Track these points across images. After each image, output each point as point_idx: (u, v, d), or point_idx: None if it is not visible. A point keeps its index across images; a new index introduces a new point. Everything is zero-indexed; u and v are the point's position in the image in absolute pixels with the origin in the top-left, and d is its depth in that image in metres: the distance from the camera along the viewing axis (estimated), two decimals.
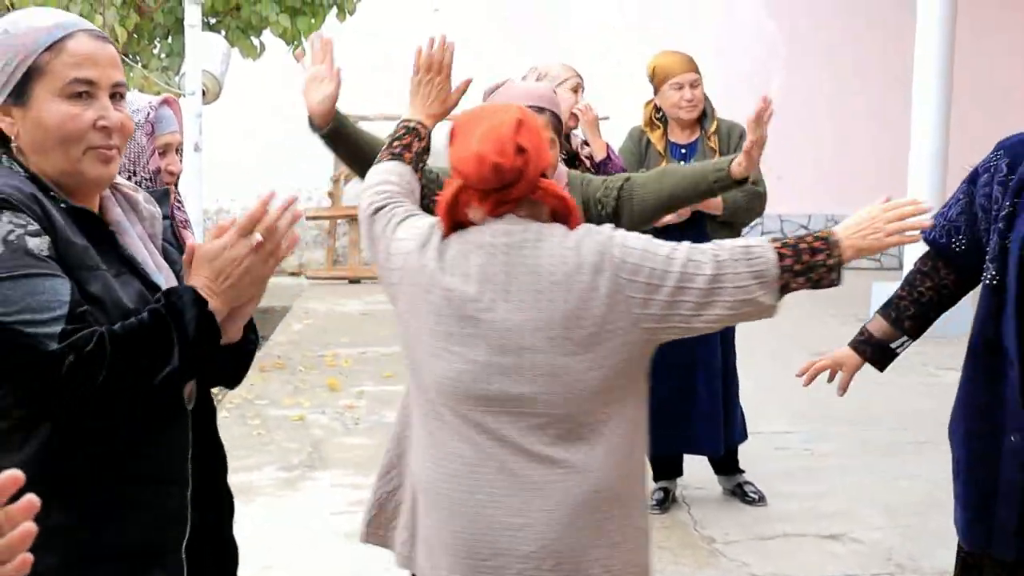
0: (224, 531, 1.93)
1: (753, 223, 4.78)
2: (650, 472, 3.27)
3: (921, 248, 2.60)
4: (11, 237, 1.59)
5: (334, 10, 7.88)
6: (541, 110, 2.71)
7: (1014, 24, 10.81)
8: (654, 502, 4.44)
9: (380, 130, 2.93)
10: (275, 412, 5.97)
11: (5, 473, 1.04)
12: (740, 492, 4.59)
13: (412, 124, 2.50)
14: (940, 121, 7.81)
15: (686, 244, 2.06)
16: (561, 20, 10.84)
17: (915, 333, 2.62)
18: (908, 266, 2.83)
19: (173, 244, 1.94)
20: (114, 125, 1.72)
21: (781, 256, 2.03)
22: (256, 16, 7.66)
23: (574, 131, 4.06)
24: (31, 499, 1.05)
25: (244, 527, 2.02)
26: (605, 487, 2.05)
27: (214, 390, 1.94)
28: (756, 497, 4.55)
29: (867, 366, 2.67)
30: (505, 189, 2.02)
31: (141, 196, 1.87)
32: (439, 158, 2.85)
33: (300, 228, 11.02)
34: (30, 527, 1.04)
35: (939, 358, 6.58)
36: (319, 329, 8.38)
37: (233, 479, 1.98)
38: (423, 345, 2.07)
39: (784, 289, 2.05)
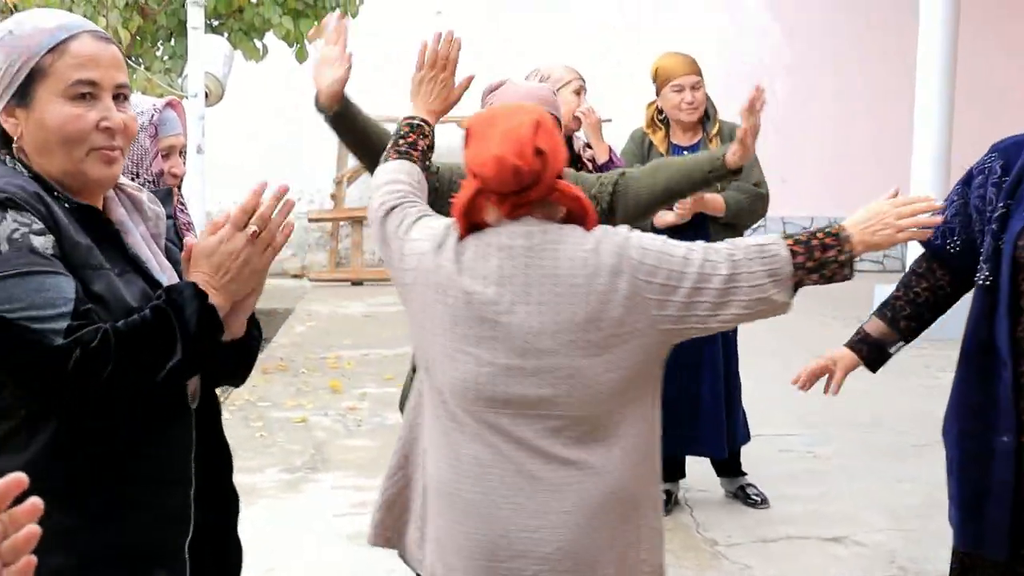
0: (229, 531, 1.93)
1: (755, 225, 4.78)
2: None
3: (921, 250, 2.62)
4: (16, 236, 1.60)
5: (337, 12, 7.89)
6: None
7: (1012, 24, 10.80)
8: None
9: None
10: (277, 414, 5.97)
11: (9, 476, 1.04)
12: (743, 494, 4.59)
13: (416, 122, 2.49)
14: (943, 123, 7.81)
15: (701, 244, 2.07)
16: (561, 20, 10.84)
17: (911, 334, 2.63)
18: None
19: (176, 245, 1.94)
20: (117, 126, 1.72)
21: (794, 253, 2.04)
22: (259, 18, 7.67)
23: (576, 133, 4.06)
24: (35, 502, 1.05)
25: (246, 529, 2.02)
26: (621, 488, 2.05)
27: (218, 391, 1.94)
28: (759, 499, 4.55)
29: (862, 370, 2.67)
30: (523, 191, 2.01)
31: (145, 196, 1.87)
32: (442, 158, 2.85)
33: (302, 230, 11.03)
34: (34, 529, 1.05)
35: (942, 360, 6.57)
36: (321, 331, 8.38)
37: (235, 480, 1.98)
38: (438, 346, 2.06)
39: (797, 286, 2.06)
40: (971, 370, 2.45)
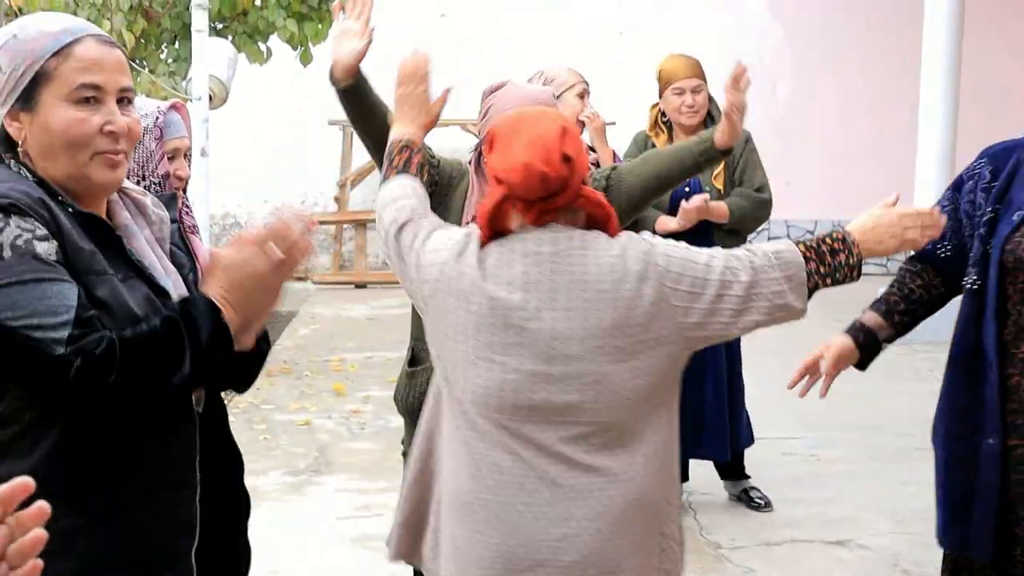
0: (238, 534, 1.93)
1: (759, 229, 4.78)
2: None
3: None
4: (19, 242, 1.60)
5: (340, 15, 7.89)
6: None
7: (1016, 24, 10.78)
8: None
9: None
10: (281, 417, 5.97)
11: (15, 480, 1.04)
12: (746, 497, 4.58)
13: (403, 142, 2.45)
14: (947, 123, 7.80)
15: (721, 251, 2.09)
16: (561, 20, 10.83)
17: (903, 328, 2.64)
18: None
19: (181, 248, 1.94)
20: (121, 130, 1.72)
21: (806, 259, 2.08)
22: (263, 21, 7.67)
23: (580, 137, 4.07)
24: (42, 506, 1.05)
25: (250, 532, 2.02)
26: (643, 495, 2.05)
27: (222, 393, 1.95)
28: (762, 503, 4.55)
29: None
30: (550, 198, 2.01)
31: (149, 200, 1.87)
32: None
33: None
34: (41, 533, 1.05)
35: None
36: (325, 334, 8.38)
37: None
38: (460, 354, 2.05)
39: (811, 291, 2.10)
40: (959, 373, 2.48)
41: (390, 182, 2.35)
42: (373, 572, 3.80)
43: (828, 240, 2.13)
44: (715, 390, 4.39)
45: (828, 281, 2.10)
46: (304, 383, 6.75)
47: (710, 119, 4.41)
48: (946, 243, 2.54)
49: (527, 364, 2.00)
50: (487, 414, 2.04)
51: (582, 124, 3.99)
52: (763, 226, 4.90)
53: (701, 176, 4.33)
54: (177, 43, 7.82)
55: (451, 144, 8.21)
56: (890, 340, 2.62)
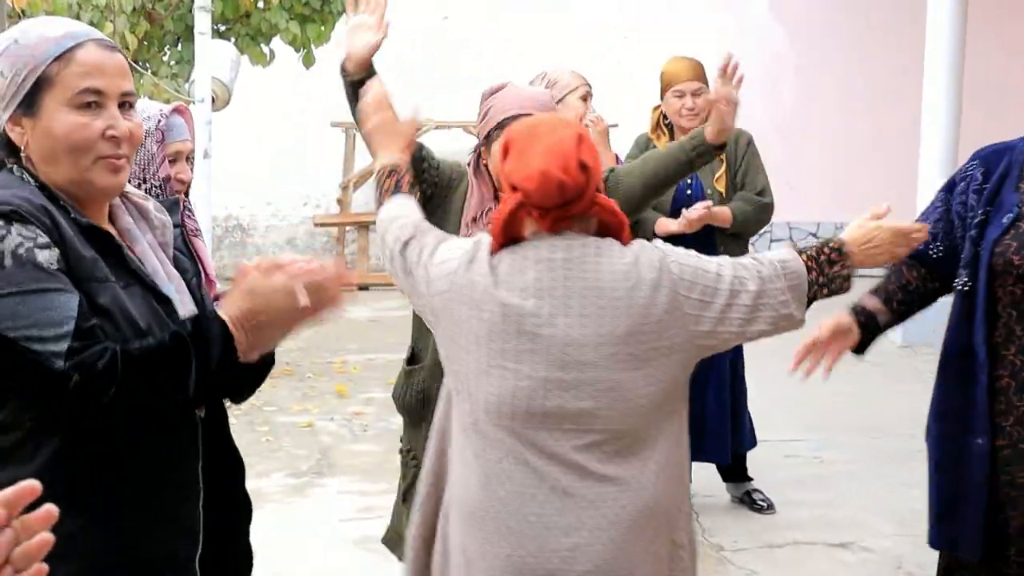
0: (239, 538, 1.93)
1: (761, 231, 4.78)
2: None
3: None
4: (20, 251, 1.60)
5: (344, 17, 7.90)
6: None
7: (1014, 24, 10.77)
8: None
9: None
10: (283, 419, 5.97)
11: (22, 483, 1.04)
12: (748, 500, 4.58)
13: (389, 168, 2.44)
14: (950, 129, 7.79)
15: (728, 259, 2.11)
16: (561, 20, 10.82)
17: (900, 317, 2.66)
18: None
19: (184, 253, 1.94)
20: (123, 134, 1.72)
21: (808, 269, 2.12)
22: (266, 23, 7.68)
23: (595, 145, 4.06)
24: (50, 509, 1.05)
25: (252, 533, 2.02)
26: (656, 503, 2.05)
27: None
28: (765, 505, 4.54)
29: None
30: (566, 206, 2.01)
31: (151, 205, 1.87)
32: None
33: (308, 235, 11.04)
34: (46, 537, 1.05)
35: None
36: (328, 335, 8.38)
37: None
38: (472, 363, 2.05)
39: (810, 301, 2.13)
40: (950, 374, 2.51)
41: (387, 206, 2.34)
42: (375, 574, 3.80)
43: (826, 250, 2.16)
44: (717, 396, 4.39)
45: (824, 291, 2.14)
46: (306, 385, 6.76)
47: None
48: (938, 244, 2.56)
49: (540, 371, 1.99)
50: (499, 422, 2.03)
51: (586, 127, 3.99)
52: (765, 228, 4.90)
53: (703, 179, 4.34)
54: (180, 45, 7.82)
55: (453, 146, 8.21)
56: (888, 326, 2.64)
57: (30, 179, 1.71)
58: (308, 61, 7.96)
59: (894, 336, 7.61)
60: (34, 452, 1.64)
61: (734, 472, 4.62)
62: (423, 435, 3.02)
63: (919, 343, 6.98)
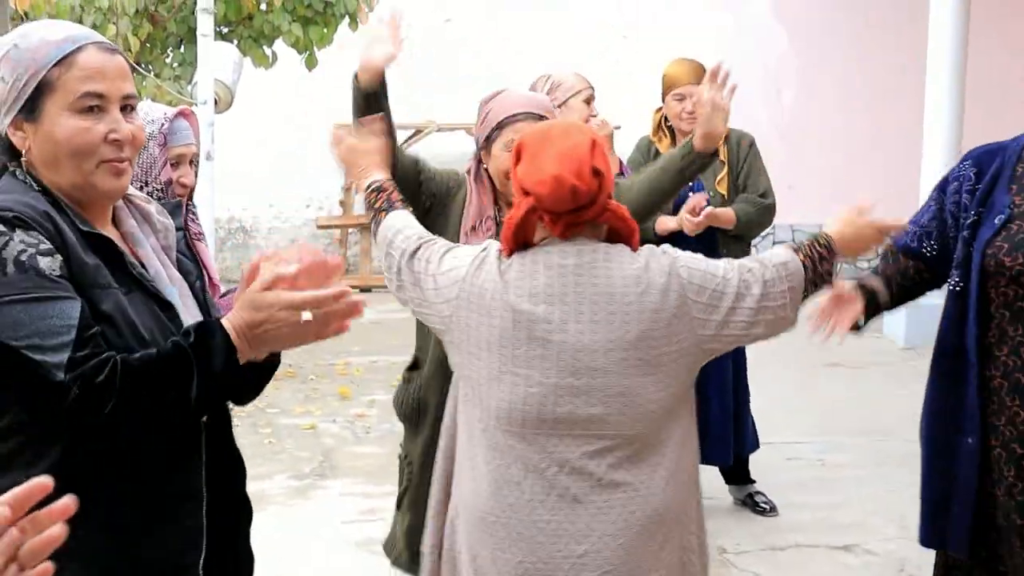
0: (240, 540, 1.92)
1: (764, 233, 4.78)
2: None
3: None
4: (23, 257, 1.59)
5: (346, 19, 7.90)
6: (541, 118, 2.72)
7: (1016, 22, 10.75)
8: None
9: None
10: (286, 421, 5.97)
11: (33, 480, 1.04)
12: (751, 502, 4.57)
13: (373, 186, 2.44)
14: (953, 128, 7.78)
15: (733, 262, 2.12)
16: (560, 20, 10.81)
17: (898, 300, 2.67)
18: None
19: (187, 256, 1.94)
20: (125, 138, 1.72)
21: (805, 268, 2.13)
22: (268, 25, 7.68)
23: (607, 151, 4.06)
24: (67, 502, 1.05)
25: (254, 536, 2.02)
26: (666, 508, 2.06)
27: None
28: (767, 507, 4.54)
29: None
30: (578, 211, 2.01)
31: (154, 208, 1.87)
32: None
33: (311, 237, 11.03)
34: (55, 532, 1.05)
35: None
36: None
37: None
38: (483, 369, 2.04)
39: (803, 300, 2.16)
40: (942, 373, 2.53)
41: (386, 221, 2.33)
42: None
43: (818, 246, 2.18)
44: (720, 399, 4.39)
45: (812, 288, 2.17)
46: (309, 387, 6.76)
47: None
48: (932, 242, 2.58)
49: (552, 377, 1.99)
50: (510, 429, 2.03)
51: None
52: (768, 230, 4.90)
53: (705, 181, 4.33)
54: (183, 47, 7.83)
55: (457, 149, 8.20)
56: (887, 307, 2.65)
57: (33, 183, 1.70)
58: (311, 63, 7.96)
59: (896, 338, 7.61)
60: (35, 459, 1.63)
61: (737, 474, 4.62)
62: (420, 443, 3.02)
63: (921, 345, 6.97)
